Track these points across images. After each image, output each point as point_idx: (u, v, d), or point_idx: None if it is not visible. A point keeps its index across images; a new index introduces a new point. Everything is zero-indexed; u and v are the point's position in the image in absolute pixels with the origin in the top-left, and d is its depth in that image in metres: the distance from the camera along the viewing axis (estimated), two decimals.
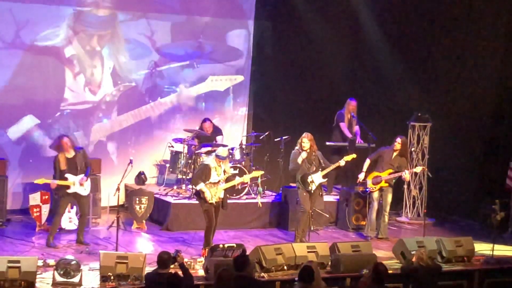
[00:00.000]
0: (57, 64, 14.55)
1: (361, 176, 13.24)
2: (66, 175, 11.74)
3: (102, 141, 15.08)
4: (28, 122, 14.32)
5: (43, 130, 14.45)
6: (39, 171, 12.67)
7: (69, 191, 11.77)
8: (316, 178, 12.45)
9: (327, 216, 14.13)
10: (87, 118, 14.92)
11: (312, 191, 12.45)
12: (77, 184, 11.78)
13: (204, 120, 14.86)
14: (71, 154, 11.84)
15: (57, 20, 14.46)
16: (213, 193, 11.60)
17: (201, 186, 11.53)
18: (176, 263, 9.45)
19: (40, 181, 11.78)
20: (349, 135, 14.81)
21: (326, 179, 12.70)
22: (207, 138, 14.57)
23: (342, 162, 12.66)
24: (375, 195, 13.29)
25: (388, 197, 13.29)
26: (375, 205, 13.28)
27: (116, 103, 15.13)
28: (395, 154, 13.28)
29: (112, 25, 14.93)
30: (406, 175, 13.34)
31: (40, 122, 14.42)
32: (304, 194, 12.48)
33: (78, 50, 14.67)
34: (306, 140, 12.44)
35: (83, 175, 11.85)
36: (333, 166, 12.67)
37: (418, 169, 13.78)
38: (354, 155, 12.87)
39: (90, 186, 12.04)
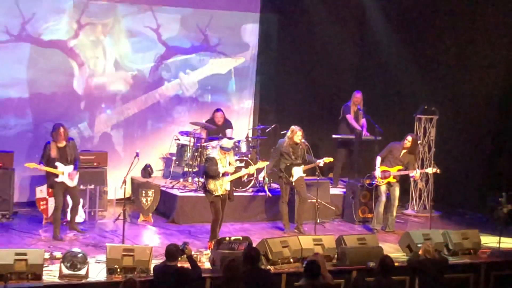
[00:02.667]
0: (63, 57, 14.56)
1: (378, 174, 13.22)
2: (57, 163, 11.76)
3: (108, 134, 15.08)
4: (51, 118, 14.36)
5: (49, 122, 14.45)
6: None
7: (57, 179, 11.76)
8: (297, 171, 12.72)
9: (333, 209, 14.14)
10: (93, 110, 14.93)
11: (293, 183, 12.73)
12: (66, 174, 11.79)
13: (217, 110, 14.89)
14: (62, 144, 11.83)
15: (62, 12, 14.48)
16: (219, 185, 11.61)
17: (222, 169, 11.58)
18: (184, 255, 9.47)
19: (30, 165, 11.79)
20: (357, 126, 14.83)
21: (305, 174, 12.94)
22: (216, 130, 14.56)
23: (321, 163, 12.88)
24: (383, 188, 13.28)
25: (396, 191, 13.30)
26: (383, 198, 13.28)
27: (121, 94, 15.14)
28: (404, 151, 13.27)
29: (113, 14, 14.93)
30: (416, 174, 13.35)
31: (46, 115, 14.44)
32: (284, 185, 12.81)
33: (82, 41, 14.68)
34: (300, 134, 12.69)
35: (72, 167, 11.86)
36: (312, 164, 12.89)
37: (430, 171, 13.72)
38: (331, 159, 13.21)
39: (78, 178, 12.03)
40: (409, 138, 13.28)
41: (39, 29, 14.28)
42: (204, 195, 11.98)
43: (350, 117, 14.90)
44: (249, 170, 12.56)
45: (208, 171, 11.76)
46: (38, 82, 14.40)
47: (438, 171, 13.55)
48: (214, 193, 11.60)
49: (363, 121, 15.03)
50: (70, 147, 11.90)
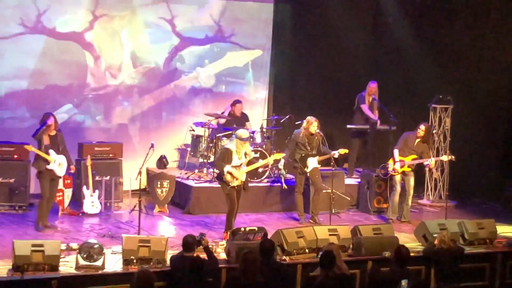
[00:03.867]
0: (79, 49, 14.60)
1: (398, 167, 13.17)
2: (50, 150, 11.72)
3: (124, 125, 15.11)
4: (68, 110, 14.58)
5: (64, 114, 14.50)
6: None
7: (48, 167, 11.73)
8: (312, 162, 12.76)
9: (349, 199, 14.13)
10: (109, 102, 14.98)
11: (308, 174, 12.78)
12: (57, 163, 11.76)
13: (237, 102, 14.84)
14: (53, 132, 11.84)
15: (78, 3, 14.52)
16: (236, 176, 11.60)
17: (227, 168, 11.52)
18: (200, 246, 9.49)
19: (29, 147, 11.82)
20: (372, 116, 14.81)
21: (320, 165, 12.92)
22: (231, 122, 14.52)
23: (336, 154, 12.89)
24: (397, 178, 13.28)
25: (410, 180, 13.28)
26: (398, 188, 13.28)
27: (136, 86, 15.17)
28: (418, 140, 13.24)
29: (129, 5, 14.95)
30: (431, 162, 13.34)
31: (62, 107, 14.47)
32: (299, 175, 12.88)
33: (98, 34, 14.70)
34: (316, 124, 12.68)
35: (63, 157, 11.85)
36: (327, 155, 12.84)
37: (445, 158, 13.69)
38: (346, 150, 13.12)
39: (65, 168, 12.00)
40: (422, 127, 13.25)
41: (55, 21, 14.31)
42: (219, 185, 11.98)
43: (364, 107, 14.86)
44: (265, 162, 12.55)
45: (215, 165, 11.80)
46: (54, 74, 14.43)
47: (453, 158, 13.51)
48: (230, 184, 11.60)
49: (377, 111, 15.00)
50: (60, 137, 11.95)
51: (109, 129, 14.89)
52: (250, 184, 12.40)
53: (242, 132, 11.79)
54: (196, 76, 15.66)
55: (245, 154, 11.76)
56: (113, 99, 15.00)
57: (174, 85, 15.52)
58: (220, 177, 11.75)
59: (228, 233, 11.05)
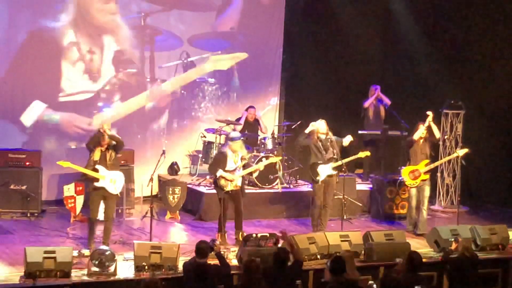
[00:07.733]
0: (56, 52, 14.24)
1: (412, 178, 12.74)
2: (97, 166, 10.86)
3: (135, 132, 15.08)
4: (37, 107, 14.18)
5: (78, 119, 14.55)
6: (73, 162, 12.56)
7: (97, 184, 10.88)
8: (324, 170, 12.15)
9: (360, 205, 14.11)
10: (88, 107, 14.59)
11: (320, 182, 12.16)
12: (108, 179, 10.92)
13: (250, 107, 14.92)
14: (105, 147, 11.13)
15: (57, 4, 14.24)
16: (229, 181, 11.57)
17: (220, 172, 11.48)
18: (212, 252, 9.49)
19: (63, 163, 11.05)
20: (370, 101, 15.05)
21: (335, 172, 12.18)
22: (249, 128, 14.52)
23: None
24: (413, 192, 12.78)
25: (426, 190, 12.78)
26: (413, 203, 12.81)
27: (118, 90, 14.86)
28: (422, 141, 12.79)
29: (138, 11, 14.90)
30: (460, 153, 13.23)
31: (72, 114, 14.49)
32: (316, 185, 12.22)
33: (78, 37, 14.38)
34: (322, 127, 12.10)
35: (118, 172, 11.01)
36: (344, 161, 12.11)
37: (460, 153, 13.32)
38: (368, 153, 12.71)
39: (122, 185, 11.18)
40: (422, 127, 12.65)
41: (33, 22, 13.97)
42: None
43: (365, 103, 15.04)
44: (259, 166, 12.45)
45: (209, 169, 11.75)
46: (34, 78, 14.09)
47: (467, 150, 13.33)
48: (224, 188, 11.58)
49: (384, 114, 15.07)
50: (110, 150, 11.02)
51: (91, 132, 13.99)
52: (261, 191, 12.37)
53: (233, 133, 11.86)
54: (207, 82, 15.67)
55: (242, 158, 11.73)
56: (92, 104, 14.63)
57: (185, 91, 15.53)
58: (215, 182, 11.71)
59: (220, 234, 11.29)
